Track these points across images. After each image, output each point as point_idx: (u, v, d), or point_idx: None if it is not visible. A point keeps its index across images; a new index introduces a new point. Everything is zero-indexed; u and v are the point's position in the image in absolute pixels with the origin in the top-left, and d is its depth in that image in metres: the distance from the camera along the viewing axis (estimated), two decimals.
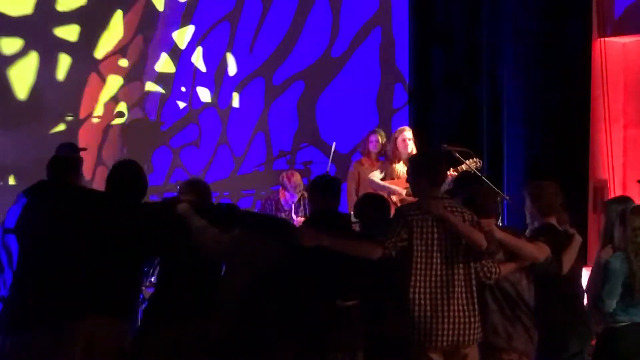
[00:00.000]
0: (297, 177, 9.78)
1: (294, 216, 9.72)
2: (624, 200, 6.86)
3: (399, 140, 9.78)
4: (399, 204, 9.49)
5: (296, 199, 9.80)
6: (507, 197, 9.62)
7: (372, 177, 9.75)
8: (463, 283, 5.96)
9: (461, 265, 5.97)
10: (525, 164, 10.82)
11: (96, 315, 5.86)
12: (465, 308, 5.94)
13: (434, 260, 5.94)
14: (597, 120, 11.01)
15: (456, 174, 9.39)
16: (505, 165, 10.88)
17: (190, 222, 6.02)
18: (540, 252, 6.25)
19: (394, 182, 9.71)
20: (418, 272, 5.95)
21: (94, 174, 10.76)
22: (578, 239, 6.57)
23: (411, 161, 6.42)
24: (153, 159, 11.33)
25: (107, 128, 11.16)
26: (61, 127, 10.93)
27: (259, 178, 11.58)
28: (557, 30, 10.76)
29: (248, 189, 11.70)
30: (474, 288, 6.01)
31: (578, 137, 10.67)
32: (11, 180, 10.28)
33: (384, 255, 5.92)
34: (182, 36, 11.49)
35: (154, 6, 11.34)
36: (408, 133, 9.82)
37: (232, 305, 6.09)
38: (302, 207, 9.87)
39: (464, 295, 5.96)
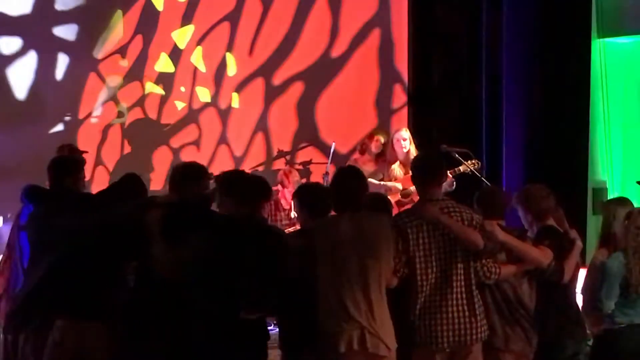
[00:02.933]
0: (295, 174, 9.81)
1: (293, 214, 9.72)
2: (623, 201, 6.86)
3: (394, 140, 9.77)
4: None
5: None
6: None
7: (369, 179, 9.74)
8: (463, 283, 6.00)
9: (460, 266, 5.99)
10: (525, 165, 10.83)
11: (79, 319, 5.86)
12: (466, 308, 5.98)
13: (432, 262, 5.96)
14: (597, 121, 11.02)
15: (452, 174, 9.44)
16: (505, 167, 10.89)
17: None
18: (544, 257, 6.27)
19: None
20: (418, 275, 5.97)
21: (93, 174, 10.76)
22: (579, 246, 6.58)
23: (411, 166, 6.47)
24: (153, 159, 11.32)
25: (106, 128, 11.15)
26: (60, 127, 10.93)
27: None
28: (556, 30, 10.76)
29: None
30: (474, 288, 6.04)
31: (577, 138, 10.68)
32: (10, 180, 10.26)
33: (399, 278, 5.95)
34: (182, 36, 11.48)
35: (153, 6, 11.33)
36: (404, 133, 9.82)
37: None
38: None
39: (463, 295, 5.99)
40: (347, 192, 5.92)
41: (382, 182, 9.59)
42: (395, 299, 6.01)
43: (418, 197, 9.50)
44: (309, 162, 11.49)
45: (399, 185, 9.68)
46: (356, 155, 10.32)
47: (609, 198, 10.22)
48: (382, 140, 10.12)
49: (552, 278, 6.37)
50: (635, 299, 6.48)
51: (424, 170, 6.24)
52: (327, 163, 10.34)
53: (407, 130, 9.97)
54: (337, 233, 5.78)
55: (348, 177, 6.06)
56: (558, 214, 6.74)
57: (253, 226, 5.83)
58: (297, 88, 11.81)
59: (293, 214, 9.73)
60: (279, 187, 9.76)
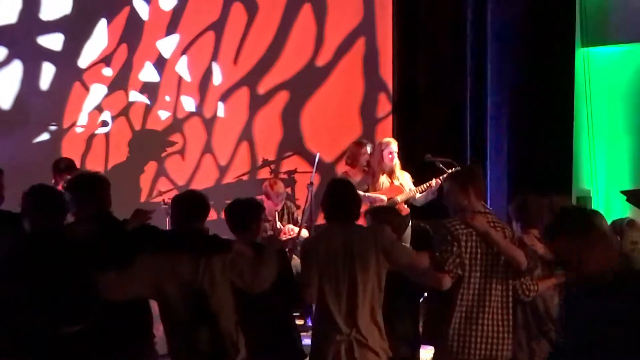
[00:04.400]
0: (280, 185, 9.78)
1: (278, 224, 9.71)
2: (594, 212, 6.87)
3: (385, 153, 9.80)
4: None
5: (280, 208, 9.79)
6: (490, 209, 9.67)
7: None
8: (500, 299, 6.03)
9: (500, 281, 6.02)
10: (509, 173, 10.84)
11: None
12: (501, 323, 6.02)
13: (475, 273, 5.98)
14: (581, 129, 11.05)
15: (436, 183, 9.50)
16: (489, 175, 10.91)
17: None
18: None
19: (376, 193, 9.76)
20: (459, 285, 6.00)
21: None
22: None
23: (452, 177, 6.45)
24: (138, 168, 11.30)
25: (90, 137, 11.14)
26: (45, 136, 10.90)
27: (244, 187, 11.55)
28: (541, 40, 10.79)
29: (232, 198, 11.65)
30: (511, 305, 6.08)
31: (561, 147, 10.70)
32: None
33: (453, 279, 5.93)
34: (167, 45, 11.47)
35: (138, 15, 11.32)
36: (394, 146, 9.85)
37: None
38: (285, 216, 9.85)
39: (500, 310, 6.03)
40: (340, 203, 5.95)
41: (367, 194, 9.60)
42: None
43: (403, 206, 9.69)
44: (294, 172, 11.48)
45: (384, 197, 9.71)
46: (346, 167, 10.29)
47: (592, 207, 10.27)
48: (369, 150, 10.16)
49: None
50: None
51: (472, 181, 6.21)
52: (311, 172, 10.33)
53: (396, 142, 10.00)
54: (329, 246, 5.80)
55: (341, 188, 6.06)
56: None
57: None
58: (282, 97, 11.81)
59: (278, 225, 9.73)
60: (264, 197, 9.73)
